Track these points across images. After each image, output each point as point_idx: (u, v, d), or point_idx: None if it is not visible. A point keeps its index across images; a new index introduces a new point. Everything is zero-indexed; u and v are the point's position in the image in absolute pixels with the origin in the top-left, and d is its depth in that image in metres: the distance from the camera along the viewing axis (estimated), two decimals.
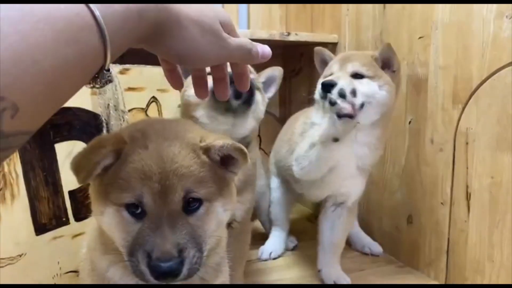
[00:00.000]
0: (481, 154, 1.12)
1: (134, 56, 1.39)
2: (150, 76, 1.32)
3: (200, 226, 0.61)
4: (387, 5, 1.38)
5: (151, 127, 0.64)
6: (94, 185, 0.63)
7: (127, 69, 1.28)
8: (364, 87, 1.07)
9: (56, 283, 1.05)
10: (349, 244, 1.45)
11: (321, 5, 1.73)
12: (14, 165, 1.00)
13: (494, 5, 1.06)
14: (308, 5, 1.82)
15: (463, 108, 1.16)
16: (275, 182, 1.49)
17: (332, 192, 1.24)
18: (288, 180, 1.38)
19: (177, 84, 0.71)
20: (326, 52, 1.25)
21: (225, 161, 0.65)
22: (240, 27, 1.90)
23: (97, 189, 0.62)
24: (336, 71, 1.13)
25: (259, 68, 1.09)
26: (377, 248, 1.45)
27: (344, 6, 1.58)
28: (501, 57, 1.05)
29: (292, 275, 1.32)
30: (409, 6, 1.30)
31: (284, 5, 1.94)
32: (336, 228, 1.26)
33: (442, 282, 1.26)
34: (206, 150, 0.63)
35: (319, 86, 1.09)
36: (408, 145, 1.34)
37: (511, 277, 1.06)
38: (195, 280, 0.70)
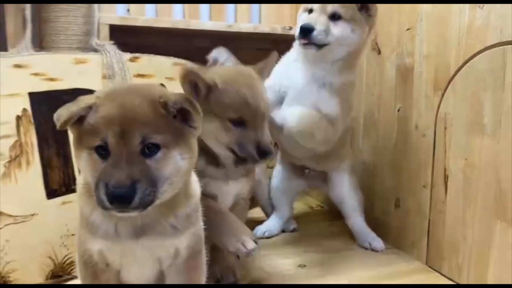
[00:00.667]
0: (456, 138, 1.19)
1: (132, 48, 1.53)
2: (159, 65, 1.45)
3: (157, 168, 0.73)
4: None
5: (121, 87, 0.77)
6: (74, 136, 0.76)
7: (137, 57, 1.41)
8: (337, 30, 1.18)
9: (64, 243, 1.19)
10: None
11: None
12: (30, 136, 1.15)
13: None
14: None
15: (443, 95, 1.22)
16: (277, 169, 1.59)
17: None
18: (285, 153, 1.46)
19: None
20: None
21: (184, 116, 0.77)
22: (253, 21, 2.02)
23: (76, 138, 0.76)
24: (316, 9, 1.20)
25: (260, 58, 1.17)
26: (378, 244, 1.44)
27: None
28: (475, 45, 1.11)
29: (278, 252, 1.41)
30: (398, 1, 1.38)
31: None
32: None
33: (424, 261, 1.32)
34: (164, 104, 0.75)
35: (298, 28, 1.19)
36: (397, 132, 1.41)
37: (482, 256, 1.11)
38: (166, 229, 0.82)
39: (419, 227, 1.33)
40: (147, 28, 1.59)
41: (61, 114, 0.74)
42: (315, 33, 1.15)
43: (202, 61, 1.79)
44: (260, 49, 1.98)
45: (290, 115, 1.21)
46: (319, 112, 1.22)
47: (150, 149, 0.73)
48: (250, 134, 0.99)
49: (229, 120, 0.99)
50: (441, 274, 1.25)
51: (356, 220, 1.48)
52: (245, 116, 0.99)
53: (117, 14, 1.81)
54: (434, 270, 1.28)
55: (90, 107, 0.74)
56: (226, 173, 1.09)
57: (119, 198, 0.68)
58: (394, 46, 1.40)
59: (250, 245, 1.00)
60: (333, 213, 1.66)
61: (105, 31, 1.49)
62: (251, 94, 0.99)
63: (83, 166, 0.76)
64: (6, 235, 1.10)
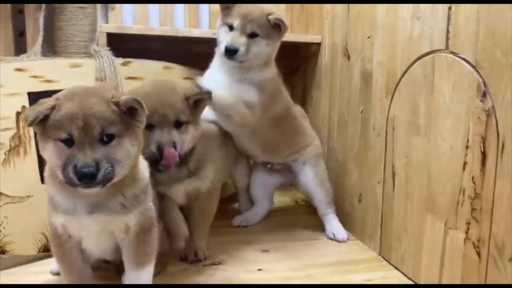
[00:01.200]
0: (400, 138, 1.29)
1: (135, 53, 1.71)
2: (150, 69, 1.63)
3: (113, 152, 0.92)
4: (350, 10, 1.57)
5: (78, 89, 0.95)
6: (39, 131, 0.94)
7: (129, 62, 1.60)
8: (255, 47, 1.40)
9: None
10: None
11: (313, 10, 1.94)
12: (28, 129, 1.35)
13: (411, 7, 1.23)
14: (305, 10, 2.03)
15: (392, 98, 1.33)
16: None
17: None
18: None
19: None
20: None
21: (132, 113, 0.95)
22: None
23: (41, 132, 0.93)
24: (237, 28, 1.39)
25: None
26: (340, 235, 1.56)
27: (325, 10, 1.79)
28: (413, 53, 1.22)
29: (247, 238, 1.55)
30: (362, 10, 1.49)
31: (288, 10, 2.18)
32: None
33: (377, 252, 1.43)
34: (116, 103, 0.93)
35: (222, 48, 1.39)
36: (360, 132, 1.52)
37: (417, 246, 1.22)
38: (116, 207, 0.99)
39: (374, 220, 1.44)
40: (146, 35, 1.77)
41: (29, 115, 0.91)
42: (239, 53, 1.37)
43: (200, 64, 1.97)
44: None
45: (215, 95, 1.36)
46: (240, 98, 1.42)
47: (107, 138, 0.91)
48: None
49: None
50: (390, 263, 1.36)
51: (324, 212, 1.62)
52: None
53: (124, 22, 2.02)
54: (385, 259, 1.39)
55: (53, 107, 0.91)
56: (169, 176, 1.26)
57: (86, 175, 0.87)
58: (359, 53, 1.51)
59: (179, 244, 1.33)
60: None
61: (103, 38, 1.68)
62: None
63: (50, 154, 0.93)
64: (5, 213, 1.31)
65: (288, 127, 1.57)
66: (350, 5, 1.57)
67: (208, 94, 1.26)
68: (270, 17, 1.39)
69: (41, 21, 1.74)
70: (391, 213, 1.35)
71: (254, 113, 1.44)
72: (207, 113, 1.38)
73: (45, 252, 1.36)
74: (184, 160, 1.25)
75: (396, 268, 1.33)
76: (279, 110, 1.52)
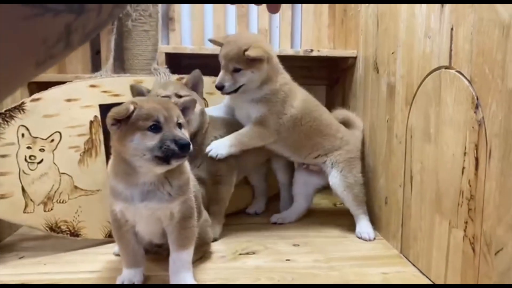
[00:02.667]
0: (416, 145, 1.42)
1: (193, 68, 1.97)
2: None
3: (185, 134, 1.19)
4: (379, 26, 1.72)
5: (141, 97, 1.22)
6: (119, 129, 1.18)
7: (182, 78, 1.85)
8: (242, 78, 1.60)
9: None
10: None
11: (350, 26, 2.09)
12: (99, 135, 1.64)
13: (424, 26, 1.36)
14: (344, 26, 2.19)
15: (410, 109, 1.46)
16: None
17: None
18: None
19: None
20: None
21: (183, 110, 1.25)
22: (295, 46, 2.37)
23: (123, 130, 1.17)
24: (222, 67, 1.62)
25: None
26: (366, 234, 1.69)
27: (360, 26, 1.93)
28: (426, 68, 1.35)
29: (279, 234, 1.74)
30: (388, 27, 1.63)
31: (332, 26, 2.35)
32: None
33: (399, 250, 1.55)
34: (176, 104, 1.24)
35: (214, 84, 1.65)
36: (386, 139, 1.66)
37: (428, 245, 1.33)
38: (164, 196, 1.22)
39: (397, 221, 1.57)
40: (198, 54, 2.02)
41: (119, 112, 1.16)
42: (225, 88, 1.61)
43: None
44: (299, 66, 2.33)
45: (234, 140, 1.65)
46: (250, 117, 1.67)
47: (179, 126, 1.20)
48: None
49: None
50: (408, 260, 1.48)
51: (354, 212, 1.76)
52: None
53: (183, 43, 2.30)
54: (404, 257, 1.51)
55: (134, 108, 1.16)
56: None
57: (185, 145, 1.14)
58: (385, 66, 1.65)
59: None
60: None
61: (162, 57, 1.95)
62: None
63: (138, 142, 1.15)
64: (79, 203, 1.60)
65: (307, 129, 1.72)
66: (379, 21, 1.72)
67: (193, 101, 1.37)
68: (247, 53, 1.55)
69: (113, 42, 2.06)
70: (409, 214, 1.47)
71: (268, 125, 1.64)
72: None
73: (110, 237, 1.64)
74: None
75: (413, 264, 1.45)
76: (296, 113, 1.68)
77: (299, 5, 2.36)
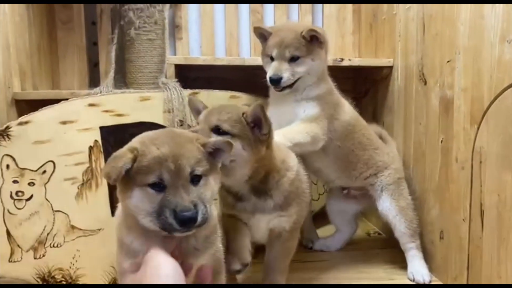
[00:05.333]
0: (490, 173, 1.16)
1: (202, 81, 1.71)
2: (216, 98, 1.62)
3: (203, 192, 0.88)
4: (426, 31, 1.47)
5: (154, 134, 0.92)
6: (120, 182, 0.90)
7: (196, 93, 1.60)
8: (300, 68, 1.39)
9: None
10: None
11: (383, 32, 1.85)
12: (100, 163, 1.38)
13: (499, 30, 1.11)
14: (374, 32, 1.95)
15: (478, 128, 1.21)
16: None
17: None
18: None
19: None
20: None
21: (213, 153, 0.93)
22: None
23: (123, 182, 0.88)
24: (276, 57, 1.40)
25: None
26: (420, 276, 1.42)
27: (397, 32, 1.69)
28: (504, 79, 1.10)
29: (318, 272, 1.47)
30: (440, 32, 1.38)
31: (356, 33, 2.11)
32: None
33: None
34: (203, 145, 0.91)
35: (268, 79, 1.40)
36: (440, 163, 1.40)
37: None
38: (189, 250, 0.95)
39: (459, 262, 1.31)
40: (211, 65, 1.77)
41: (110, 172, 0.85)
42: (283, 80, 1.38)
43: (263, 90, 1.95)
44: None
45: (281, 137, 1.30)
46: (303, 116, 1.40)
47: (195, 178, 0.88)
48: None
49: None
50: None
51: (405, 246, 1.49)
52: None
53: (191, 53, 2.05)
54: None
55: (134, 159, 0.86)
56: (253, 206, 1.19)
57: (187, 220, 0.83)
58: (437, 78, 1.40)
59: (234, 266, 1.14)
60: (391, 241, 1.61)
61: (171, 70, 1.70)
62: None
63: (136, 202, 0.87)
64: (77, 246, 1.33)
65: (361, 138, 1.50)
66: (426, 26, 1.47)
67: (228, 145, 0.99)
68: (304, 33, 1.37)
69: (113, 54, 1.80)
70: (480, 255, 1.21)
71: (322, 125, 1.39)
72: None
73: None
74: (266, 190, 1.18)
75: None
76: (348, 119, 1.47)
77: (320, 9, 2.12)
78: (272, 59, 1.42)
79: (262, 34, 1.47)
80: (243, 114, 1.11)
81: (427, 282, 1.41)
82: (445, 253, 1.39)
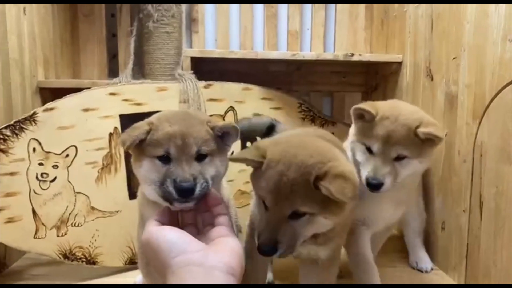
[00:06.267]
0: (489, 166, 1.21)
1: (217, 74, 1.78)
2: (230, 90, 1.69)
3: (206, 168, 0.95)
4: (434, 28, 1.52)
5: (170, 113, 1.01)
6: (133, 152, 0.99)
7: (210, 84, 1.67)
8: (405, 170, 1.13)
9: None
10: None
11: (393, 28, 1.89)
12: (119, 149, 1.46)
13: (501, 29, 1.16)
14: (385, 28, 1.99)
15: (479, 123, 1.26)
16: None
17: None
18: None
19: None
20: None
21: (222, 137, 1.00)
22: (328, 49, 2.18)
23: (136, 152, 0.98)
24: (378, 153, 1.13)
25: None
26: (424, 265, 1.48)
27: (407, 28, 1.74)
28: (505, 76, 1.15)
29: None
30: (447, 29, 1.43)
31: (368, 29, 2.15)
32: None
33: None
34: (212, 128, 0.98)
35: (363, 178, 1.13)
36: (444, 156, 1.45)
37: (510, 281, 1.13)
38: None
39: (459, 251, 1.36)
40: (226, 58, 1.83)
41: (125, 139, 0.95)
42: (385, 187, 1.11)
43: (276, 83, 2.00)
44: (333, 72, 2.14)
45: None
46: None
47: (201, 156, 0.95)
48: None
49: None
50: None
51: (413, 240, 1.53)
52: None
53: (206, 46, 2.12)
54: None
55: (148, 131, 0.95)
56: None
57: (185, 190, 0.89)
58: (443, 74, 1.45)
59: None
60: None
61: (187, 62, 1.77)
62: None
63: (145, 171, 0.96)
64: (96, 226, 1.42)
65: None
66: (434, 22, 1.52)
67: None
68: (419, 131, 1.09)
69: (132, 45, 1.88)
70: (478, 245, 1.27)
71: None
72: None
73: (130, 264, 1.45)
74: None
75: None
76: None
77: (333, 5, 2.16)
78: (370, 151, 1.15)
79: (361, 115, 1.18)
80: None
81: (428, 270, 1.46)
82: (445, 244, 1.44)
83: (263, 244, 0.89)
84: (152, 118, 1.01)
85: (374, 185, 1.11)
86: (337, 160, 0.91)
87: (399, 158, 1.12)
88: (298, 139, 0.99)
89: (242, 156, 0.95)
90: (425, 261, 1.49)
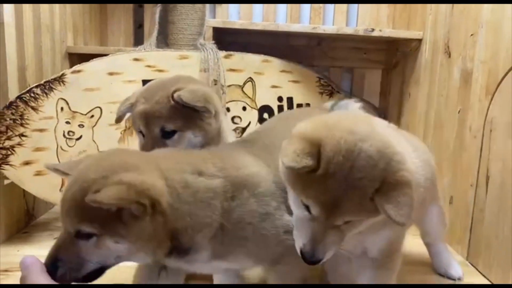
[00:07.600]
0: (498, 141, 1.24)
1: (239, 46, 1.82)
2: (250, 62, 1.74)
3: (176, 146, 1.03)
4: (454, 6, 1.52)
5: (148, 86, 1.09)
6: None
7: (230, 55, 1.72)
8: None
9: None
10: None
11: (415, 5, 1.89)
12: None
13: None
14: (408, 5, 1.99)
15: (491, 99, 1.27)
16: None
17: None
18: None
19: None
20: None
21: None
22: (350, 24, 2.19)
23: None
24: (320, 220, 0.79)
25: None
26: (455, 271, 1.27)
27: (428, 5, 1.74)
28: None
29: None
30: (467, 7, 1.43)
31: (392, 4, 2.15)
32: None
33: (464, 257, 1.38)
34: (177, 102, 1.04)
35: (297, 248, 0.82)
36: (456, 132, 1.47)
37: (507, 256, 1.17)
38: None
39: (464, 224, 1.40)
40: (248, 30, 1.87)
41: (117, 113, 1.09)
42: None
43: (298, 57, 2.02)
44: (353, 48, 2.15)
45: None
46: None
47: (167, 134, 1.02)
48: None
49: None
50: (477, 269, 1.31)
51: (438, 247, 1.31)
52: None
53: (230, 17, 2.16)
54: (472, 265, 1.34)
55: (130, 106, 1.06)
56: None
57: None
58: (461, 50, 1.46)
59: None
60: None
61: (209, 32, 1.82)
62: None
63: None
64: None
65: None
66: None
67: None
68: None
69: (157, 15, 1.93)
70: (482, 218, 1.30)
71: None
72: None
73: None
74: None
75: (482, 274, 1.28)
76: None
77: None
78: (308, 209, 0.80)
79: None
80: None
81: (461, 278, 1.26)
82: (452, 217, 1.48)
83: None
84: (136, 92, 1.10)
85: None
86: None
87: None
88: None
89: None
90: (455, 267, 1.28)
